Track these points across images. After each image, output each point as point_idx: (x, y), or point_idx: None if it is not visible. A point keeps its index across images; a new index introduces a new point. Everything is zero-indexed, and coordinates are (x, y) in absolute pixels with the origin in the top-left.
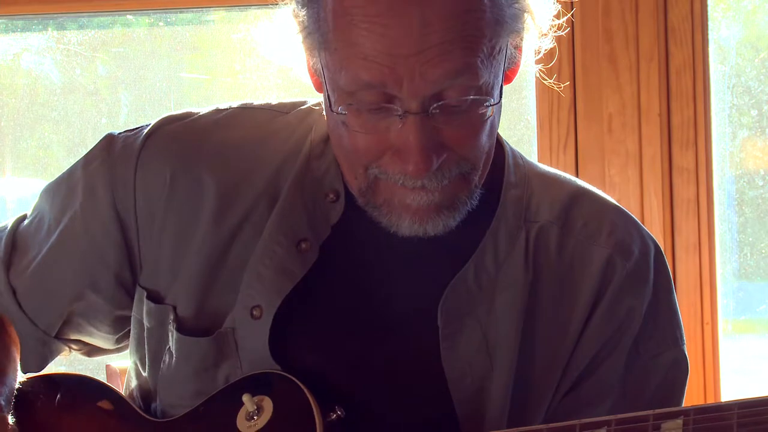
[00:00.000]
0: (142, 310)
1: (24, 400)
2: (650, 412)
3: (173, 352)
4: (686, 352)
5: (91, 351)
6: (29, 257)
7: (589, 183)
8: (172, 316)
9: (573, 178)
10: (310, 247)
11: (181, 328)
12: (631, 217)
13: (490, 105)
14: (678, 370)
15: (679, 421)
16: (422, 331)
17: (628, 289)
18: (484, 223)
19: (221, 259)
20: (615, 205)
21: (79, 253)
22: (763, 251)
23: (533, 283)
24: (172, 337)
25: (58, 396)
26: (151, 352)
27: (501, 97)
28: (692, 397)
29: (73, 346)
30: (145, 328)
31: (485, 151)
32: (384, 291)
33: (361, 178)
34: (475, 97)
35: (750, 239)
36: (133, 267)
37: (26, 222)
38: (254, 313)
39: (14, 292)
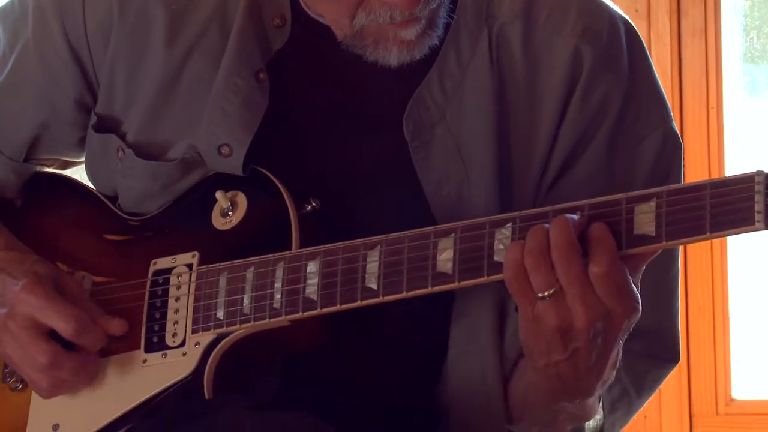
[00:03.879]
0: (93, 137)
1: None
2: (623, 195)
3: (132, 175)
4: (675, 128)
5: (66, 164)
6: None
7: None
8: (122, 143)
9: None
10: (266, 77)
11: (139, 154)
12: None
13: None
14: (669, 146)
15: (652, 204)
16: (394, 145)
17: (599, 76)
18: (444, 28)
19: (172, 85)
20: None
21: (36, 82)
22: None
23: (500, 83)
24: (126, 162)
25: (37, 195)
26: (102, 176)
27: None
28: (698, 178)
29: (46, 163)
30: (96, 153)
31: None
32: (348, 110)
33: (347, 29)
34: None
35: (756, 23)
36: (92, 92)
37: None
38: (223, 151)
39: None
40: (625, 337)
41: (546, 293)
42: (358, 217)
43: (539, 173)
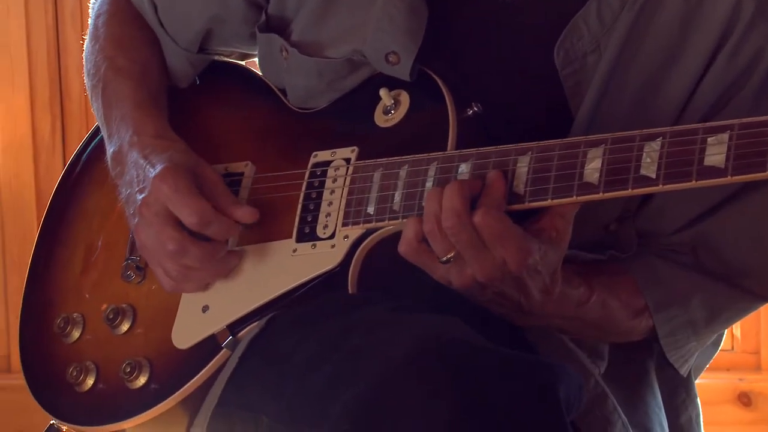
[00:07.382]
0: (259, 36)
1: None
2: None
3: (299, 73)
4: None
5: (243, 56)
6: None
7: None
8: (285, 43)
9: None
10: None
11: (301, 52)
12: None
13: None
14: None
15: None
16: (546, 68)
17: (755, 29)
18: None
19: None
20: None
21: None
22: None
23: (656, 20)
24: (292, 61)
25: (212, 82)
26: (271, 74)
27: None
28: None
29: (223, 53)
30: (263, 52)
31: None
32: (505, 28)
33: None
34: None
35: None
36: None
37: None
38: (390, 59)
39: (155, 9)
40: (549, 268)
41: (448, 256)
42: (508, 133)
43: (674, 116)
